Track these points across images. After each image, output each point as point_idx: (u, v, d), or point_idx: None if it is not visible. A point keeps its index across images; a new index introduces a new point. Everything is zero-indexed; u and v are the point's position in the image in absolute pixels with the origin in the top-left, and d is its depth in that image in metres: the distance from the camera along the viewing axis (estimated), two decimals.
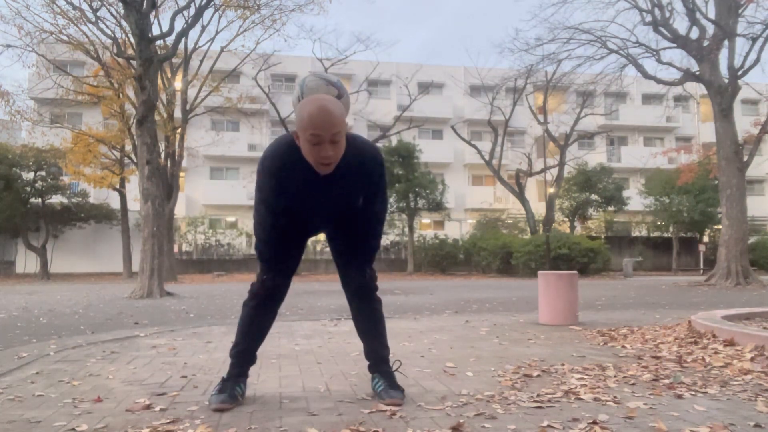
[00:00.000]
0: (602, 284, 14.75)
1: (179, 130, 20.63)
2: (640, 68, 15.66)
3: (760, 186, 35.05)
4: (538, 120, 24.72)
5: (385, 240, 25.96)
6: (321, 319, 5.84)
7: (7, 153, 20.92)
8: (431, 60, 55.99)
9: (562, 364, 3.06)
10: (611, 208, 26.72)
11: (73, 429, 1.97)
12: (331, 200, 2.26)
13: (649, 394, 2.37)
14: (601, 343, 3.88)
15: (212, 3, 14.92)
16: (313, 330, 4.86)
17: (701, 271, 23.36)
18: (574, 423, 1.95)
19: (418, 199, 23.45)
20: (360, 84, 27.34)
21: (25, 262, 23.30)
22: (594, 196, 26.23)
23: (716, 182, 17.77)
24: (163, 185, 14.92)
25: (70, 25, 16.53)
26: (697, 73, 14.92)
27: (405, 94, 24.94)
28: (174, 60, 19.33)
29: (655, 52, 15.48)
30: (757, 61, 14.53)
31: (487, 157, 24.79)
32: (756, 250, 23.41)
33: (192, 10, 14.46)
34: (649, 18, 15.14)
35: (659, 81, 15.98)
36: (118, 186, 22.34)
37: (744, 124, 21.54)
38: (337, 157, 2.09)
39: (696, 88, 23.14)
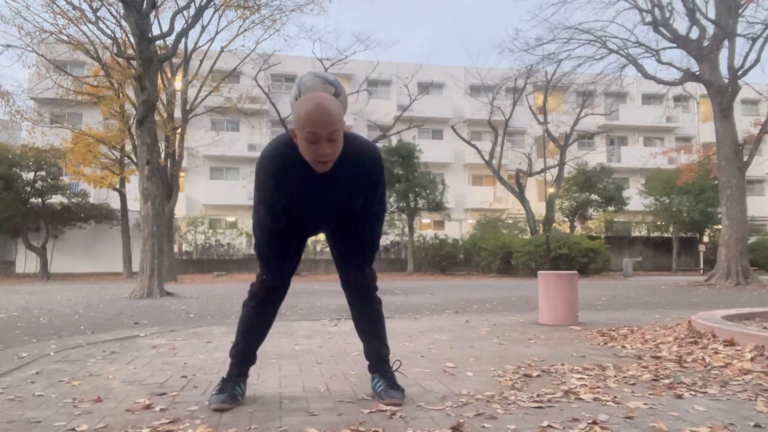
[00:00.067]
0: (602, 284, 14.75)
1: (179, 130, 20.63)
2: (640, 68, 15.66)
3: (760, 186, 35.05)
4: (538, 120, 24.72)
5: (385, 240, 25.96)
6: (321, 319, 5.84)
7: (7, 153, 20.92)
8: (431, 60, 56.04)
9: (562, 364, 3.06)
10: (611, 208, 26.73)
11: (73, 429, 1.97)
12: (330, 200, 2.26)
13: (649, 394, 2.37)
14: (601, 343, 3.87)
15: (212, 3, 14.92)
16: (313, 330, 4.86)
17: (701, 271, 23.36)
18: (574, 423, 1.95)
19: (418, 199, 23.45)
20: (360, 84, 27.33)
21: (25, 262, 23.29)
22: (594, 196, 26.24)
23: (716, 182, 17.77)
24: (163, 185, 14.93)
25: (70, 25, 16.55)
26: (697, 73, 14.92)
27: (405, 94, 24.94)
28: (174, 60, 19.33)
29: (655, 52, 15.49)
30: (757, 61, 14.53)
31: (487, 157, 24.79)
32: (756, 250, 23.40)
33: (192, 10, 14.48)
34: (649, 18, 15.14)
35: (659, 81, 15.98)
36: (118, 186, 22.34)
37: (744, 124, 21.56)
38: (335, 155, 2.09)
39: (696, 88, 23.14)
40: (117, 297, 10.82)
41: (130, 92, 16.67)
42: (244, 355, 2.41)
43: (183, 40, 16.54)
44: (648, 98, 33.36)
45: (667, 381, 2.62)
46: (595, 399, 2.29)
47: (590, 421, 1.96)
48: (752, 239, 22.49)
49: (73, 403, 2.33)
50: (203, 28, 19.77)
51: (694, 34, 14.99)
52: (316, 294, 11.23)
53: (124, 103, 18.90)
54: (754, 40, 14.29)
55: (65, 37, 17.06)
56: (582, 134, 27.65)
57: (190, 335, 4.57)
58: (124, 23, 14.87)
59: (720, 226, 16.13)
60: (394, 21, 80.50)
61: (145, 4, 11.85)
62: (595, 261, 20.47)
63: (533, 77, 21.14)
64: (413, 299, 9.53)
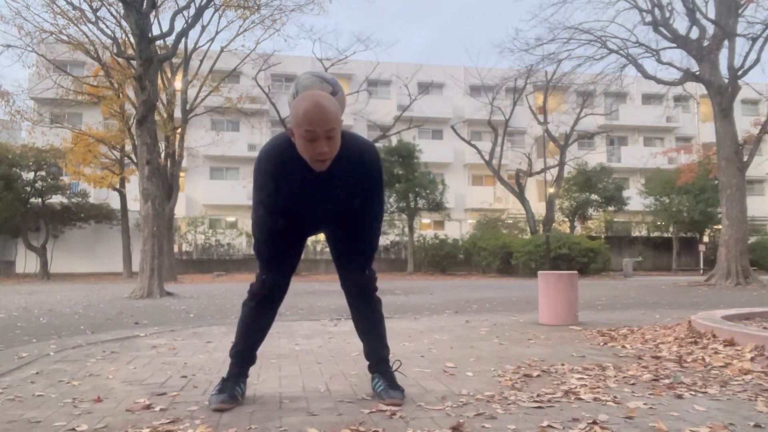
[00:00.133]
0: (602, 284, 14.75)
1: (179, 130, 20.63)
2: (640, 68, 15.66)
3: (760, 186, 35.05)
4: (538, 120, 24.71)
5: (385, 240, 25.96)
6: (321, 319, 5.84)
7: (7, 153, 20.93)
8: (431, 60, 56.04)
9: (562, 364, 3.06)
10: (611, 208, 26.73)
11: (73, 429, 1.97)
12: (329, 199, 2.25)
13: (649, 394, 2.37)
14: (601, 343, 3.87)
15: (212, 3, 14.93)
16: (313, 330, 4.86)
17: (701, 271, 23.36)
18: (574, 423, 1.95)
19: (418, 199, 23.45)
20: (360, 84, 27.33)
21: (25, 262, 23.29)
22: (594, 196, 26.24)
23: (716, 182, 17.77)
24: (163, 185, 14.93)
25: (70, 25, 16.55)
26: (697, 73, 14.92)
27: (405, 94, 24.93)
28: (174, 60, 19.33)
29: (655, 52, 15.49)
30: (757, 61, 14.54)
31: (487, 157, 24.79)
32: (756, 250, 23.41)
33: (192, 10, 14.48)
34: (649, 18, 15.14)
35: (659, 81, 15.98)
36: (118, 186, 22.34)
37: (744, 124, 21.56)
38: (332, 154, 2.08)
39: (696, 88, 23.14)
40: (117, 297, 10.82)
41: (130, 92, 16.67)
42: (244, 355, 2.41)
43: (183, 40, 16.54)
44: (648, 98, 33.36)
45: (667, 381, 2.62)
46: (595, 399, 2.29)
47: (590, 421, 1.96)
48: (752, 239, 22.49)
49: (73, 403, 2.33)
50: (203, 28, 19.79)
51: (694, 34, 15.01)
52: (316, 294, 11.23)
53: (124, 103, 18.91)
54: (754, 40, 14.29)
55: (65, 37, 17.07)
56: (582, 134, 27.65)
57: (190, 335, 4.57)
58: (124, 23, 14.88)
59: (720, 226, 16.13)
60: (394, 21, 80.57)
61: (145, 4, 11.85)
62: (595, 261, 20.47)
63: (533, 77, 21.14)
64: (413, 299, 9.53)
